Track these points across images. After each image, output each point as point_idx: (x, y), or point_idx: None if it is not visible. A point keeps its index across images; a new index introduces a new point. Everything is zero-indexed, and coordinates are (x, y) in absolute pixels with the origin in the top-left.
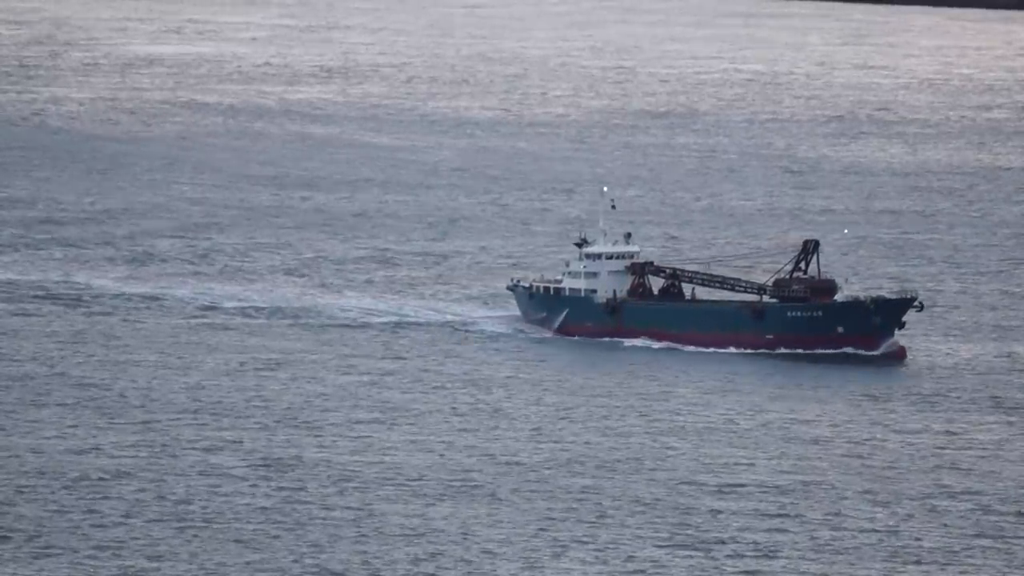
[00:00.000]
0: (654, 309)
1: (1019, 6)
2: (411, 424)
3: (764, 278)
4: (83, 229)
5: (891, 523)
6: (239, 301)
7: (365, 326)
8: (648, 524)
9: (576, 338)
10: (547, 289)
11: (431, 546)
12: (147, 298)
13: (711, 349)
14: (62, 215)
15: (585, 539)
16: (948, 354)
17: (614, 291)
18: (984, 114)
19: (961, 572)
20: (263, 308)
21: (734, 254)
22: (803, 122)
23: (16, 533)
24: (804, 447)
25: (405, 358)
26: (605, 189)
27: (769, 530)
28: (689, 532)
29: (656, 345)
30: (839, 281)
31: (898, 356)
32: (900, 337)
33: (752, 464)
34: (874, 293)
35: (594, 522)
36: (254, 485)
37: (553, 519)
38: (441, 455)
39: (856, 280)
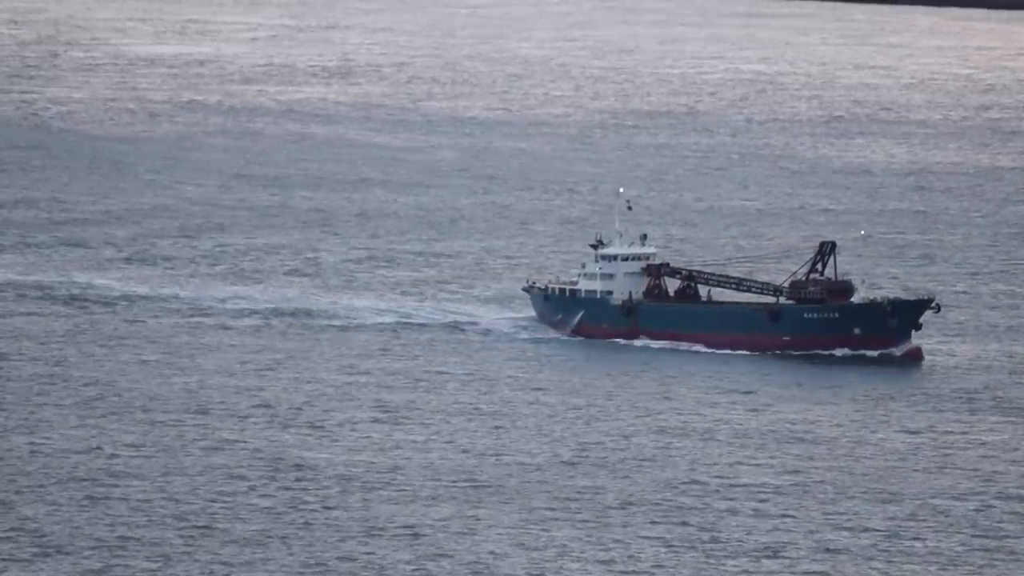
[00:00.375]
0: (670, 311)
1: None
2: (417, 424)
3: (779, 279)
4: (84, 229)
5: (895, 524)
6: (241, 301)
7: (375, 327)
8: (651, 524)
9: (592, 339)
10: (563, 291)
11: (434, 546)
12: (149, 298)
13: (727, 351)
14: (62, 215)
15: (588, 539)
16: (957, 355)
17: (630, 293)
18: (985, 114)
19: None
20: (265, 309)
21: (749, 255)
22: (803, 122)
23: (19, 533)
24: (812, 447)
25: (418, 359)
26: (621, 190)
27: (773, 530)
28: (693, 533)
29: (671, 347)
30: (856, 282)
31: (915, 357)
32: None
33: (756, 464)
34: (890, 294)
35: (597, 522)
36: (257, 485)
37: (557, 519)
38: (446, 455)
39: (864, 280)
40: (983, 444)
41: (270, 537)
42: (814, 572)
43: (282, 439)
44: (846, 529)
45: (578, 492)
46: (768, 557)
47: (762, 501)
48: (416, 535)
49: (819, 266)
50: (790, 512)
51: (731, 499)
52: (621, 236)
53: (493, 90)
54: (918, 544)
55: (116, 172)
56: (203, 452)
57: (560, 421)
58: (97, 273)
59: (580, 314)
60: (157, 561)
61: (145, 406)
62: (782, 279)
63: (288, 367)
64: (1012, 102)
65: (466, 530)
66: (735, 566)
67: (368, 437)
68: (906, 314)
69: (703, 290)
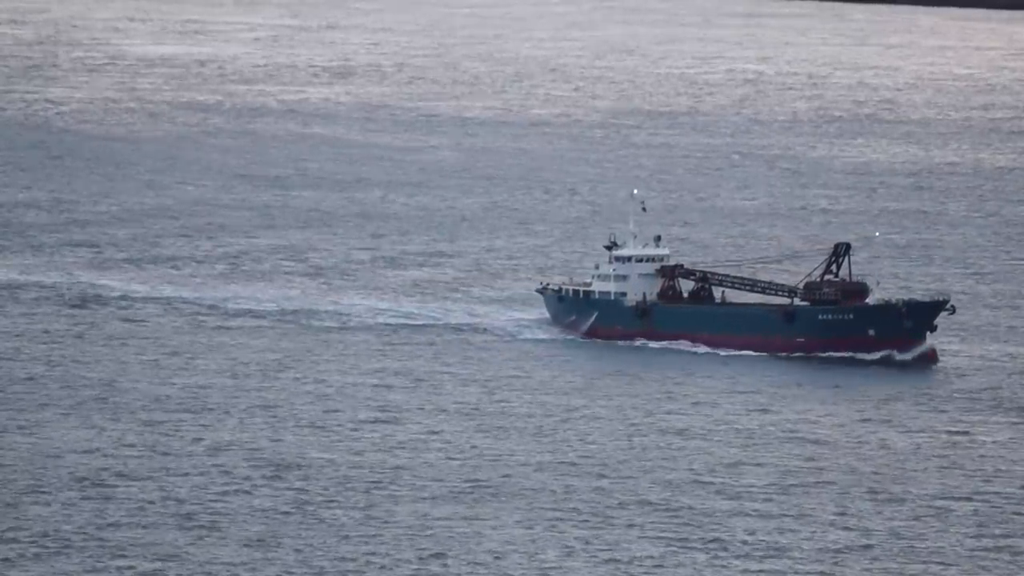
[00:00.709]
0: (684, 312)
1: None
2: (421, 425)
3: (792, 281)
4: (84, 229)
5: (899, 524)
6: (242, 301)
7: (384, 328)
8: (655, 525)
9: (605, 341)
10: (576, 292)
11: (437, 547)
12: (149, 298)
13: (741, 352)
14: (63, 215)
15: (591, 539)
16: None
17: (644, 294)
18: (986, 114)
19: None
20: (267, 309)
21: (762, 257)
22: (804, 122)
23: (20, 534)
24: (815, 447)
25: (427, 360)
26: (635, 191)
27: (777, 531)
28: (696, 533)
29: (684, 348)
30: (871, 284)
31: (930, 359)
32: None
33: (760, 465)
34: (905, 295)
35: (601, 523)
36: (259, 486)
37: (560, 520)
38: (451, 456)
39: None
40: (988, 444)
41: (272, 538)
42: (817, 572)
43: (284, 439)
44: (850, 529)
45: (581, 493)
46: (772, 557)
47: (765, 501)
48: (419, 535)
49: (833, 267)
50: (794, 512)
51: (735, 499)
52: (635, 237)
53: (493, 90)
54: (922, 544)
55: (116, 172)
56: (204, 452)
57: (565, 421)
58: (98, 273)
59: (594, 315)
60: (158, 562)
61: (146, 406)
62: (796, 280)
63: (291, 367)
64: (1013, 102)
65: (469, 530)
66: (738, 566)
67: (371, 438)
68: (921, 316)
69: (717, 291)
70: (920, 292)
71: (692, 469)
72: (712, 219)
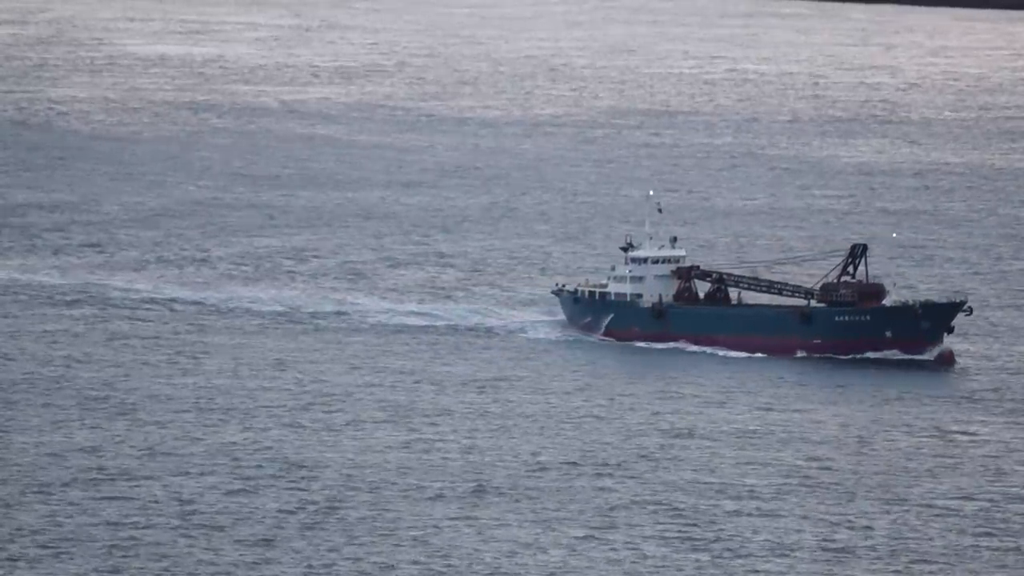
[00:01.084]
0: (700, 313)
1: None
2: (426, 426)
3: (806, 282)
4: (86, 229)
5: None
6: (245, 301)
7: (396, 328)
8: (658, 525)
9: (621, 342)
10: (592, 293)
11: (442, 547)
12: (153, 298)
13: (757, 354)
14: (64, 215)
15: (595, 540)
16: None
17: (660, 295)
18: (989, 114)
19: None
20: (270, 310)
21: (777, 258)
22: (805, 122)
23: (24, 534)
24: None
25: (439, 361)
26: (651, 192)
27: (781, 531)
28: (700, 533)
29: (700, 349)
30: (887, 285)
31: (947, 360)
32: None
33: (764, 465)
34: (921, 297)
35: (605, 523)
36: (265, 486)
37: (564, 520)
38: (456, 456)
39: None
40: (994, 444)
41: (276, 538)
42: (821, 573)
43: (290, 439)
44: (854, 529)
45: (588, 493)
46: (776, 557)
47: (769, 501)
48: (423, 536)
49: (850, 269)
50: (798, 513)
51: (739, 499)
52: (651, 239)
53: (494, 90)
54: (926, 544)
55: (117, 172)
56: (207, 452)
57: (569, 422)
58: (99, 273)
59: (610, 317)
60: (163, 562)
61: (148, 406)
62: (812, 282)
63: (293, 368)
64: (1016, 102)
65: (474, 530)
66: (742, 566)
67: (377, 438)
68: (938, 317)
69: (733, 293)
70: (937, 293)
71: (696, 469)
72: (714, 219)
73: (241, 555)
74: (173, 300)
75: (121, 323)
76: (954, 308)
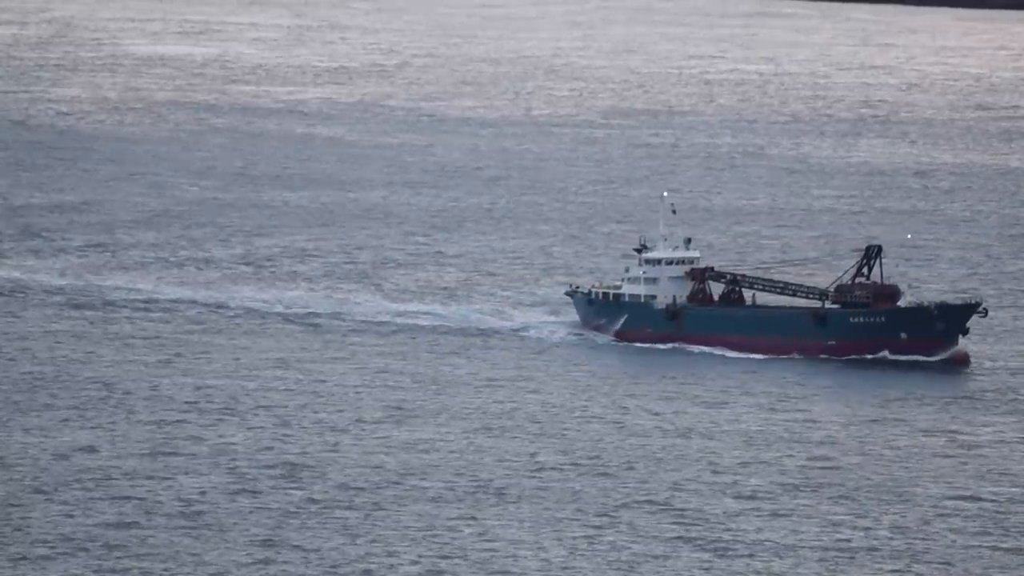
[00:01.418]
0: (714, 315)
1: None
2: (430, 426)
3: (816, 283)
4: (87, 229)
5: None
6: (248, 302)
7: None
8: (661, 525)
9: (635, 344)
10: (606, 295)
11: (445, 547)
12: (155, 298)
13: (772, 355)
14: (65, 215)
15: (597, 540)
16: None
17: (674, 297)
18: (990, 114)
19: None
20: (272, 310)
21: (791, 259)
22: (807, 122)
23: (28, 534)
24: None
25: (450, 362)
26: (665, 194)
27: (784, 531)
28: (702, 533)
29: (714, 351)
30: (902, 286)
31: (961, 362)
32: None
33: (769, 465)
34: (937, 298)
35: (606, 523)
36: (268, 486)
37: (567, 520)
38: (459, 457)
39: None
40: (1001, 445)
41: (278, 538)
42: (825, 573)
43: (291, 440)
44: (857, 529)
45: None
46: (779, 558)
47: (771, 501)
48: (425, 536)
49: (865, 270)
50: (800, 513)
51: (742, 500)
52: (665, 240)
53: (495, 90)
54: (930, 544)
55: (119, 172)
56: (210, 453)
57: (572, 422)
58: (101, 273)
59: (623, 318)
60: (165, 562)
61: (150, 407)
62: (816, 282)
63: (295, 368)
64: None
65: (476, 531)
66: (746, 566)
67: (380, 439)
68: (953, 318)
69: (748, 294)
70: (937, 294)
71: (698, 469)
72: (716, 220)
73: (243, 555)
74: (174, 300)
75: (122, 323)
76: (969, 309)
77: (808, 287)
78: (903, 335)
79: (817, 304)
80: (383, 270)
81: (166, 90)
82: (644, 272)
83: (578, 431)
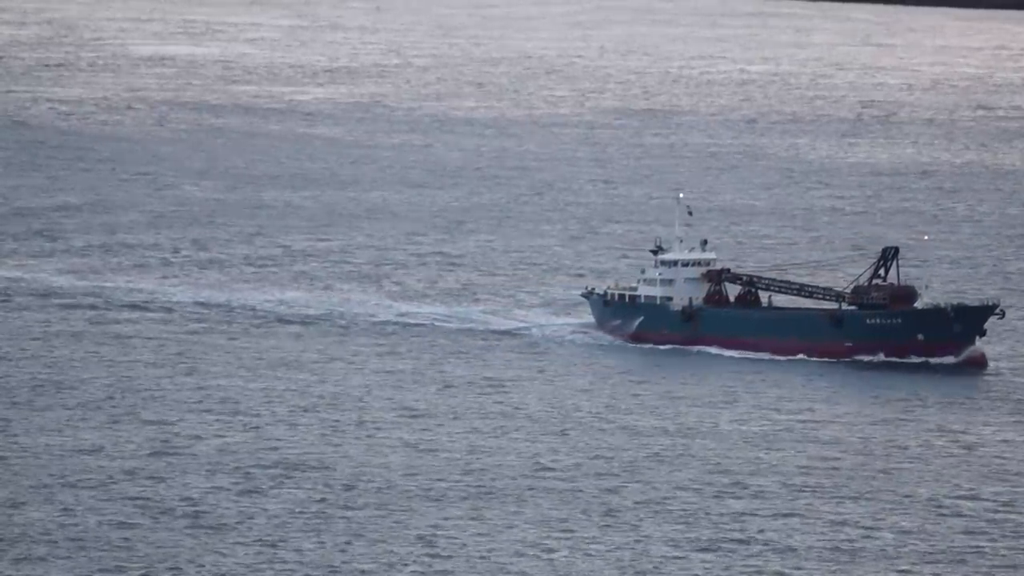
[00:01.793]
0: (730, 316)
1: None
2: (436, 426)
3: (840, 285)
4: (87, 229)
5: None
6: (248, 302)
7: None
8: (664, 525)
9: (651, 345)
10: (622, 296)
11: (448, 548)
12: (157, 299)
13: (788, 357)
14: (66, 215)
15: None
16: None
17: (690, 298)
18: (991, 114)
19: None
20: (274, 311)
21: (807, 260)
22: (808, 122)
23: (28, 535)
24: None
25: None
26: (681, 195)
27: (789, 531)
28: (707, 534)
29: (730, 353)
30: (919, 288)
31: (979, 364)
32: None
33: (774, 465)
34: (954, 300)
35: (611, 524)
36: (271, 487)
37: (570, 520)
38: (463, 457)
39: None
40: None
41: (281, 539)
42: (829, 572)
43: (295, 440)
44: (861, 528)
45: (595, 494)
46: (783, 558)
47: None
48: (428, 537)
49: (881, 271)
50: (804, 512)
51: (746, 500)
52: (681, 241)
53: (497, 90)
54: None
55: (119, 173)
56: (213, 453)
57: (577, 422)
58: (103, 273)
59: (639, 319)
60: (168, 561)
61: (155, 407)
62: (843, 285)
63: (299, 369)
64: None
65: (480, 531)
66: (750, 565)
67: (385, 439)
68: (970, 320)
69: (764, 296)
70: (969, 296)
71: (702, 469)
72: (718, 219)
73: (246, 555)
74: (176, 300)
75: (124, 323)
76: (986, 311)
77: (824, 289)
78: (920, 337)
79: (833, 306)
80: (385, 270)
81: (166, 90)
82: (660, 274)
83: (581, 431)
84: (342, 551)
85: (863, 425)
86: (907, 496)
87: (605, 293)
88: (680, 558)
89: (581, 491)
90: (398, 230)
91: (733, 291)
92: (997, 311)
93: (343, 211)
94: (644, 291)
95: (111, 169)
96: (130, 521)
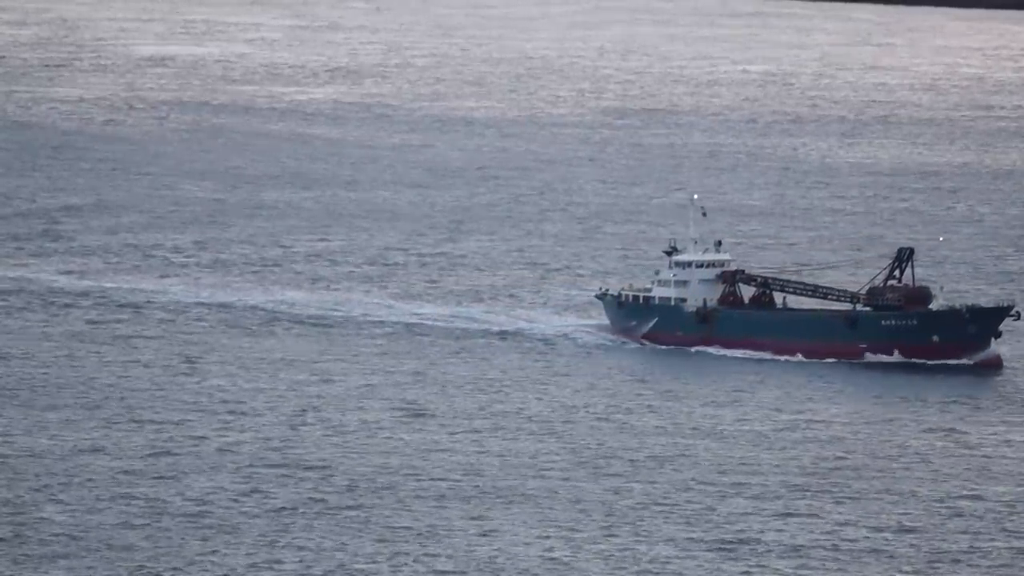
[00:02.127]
0: (745, 317)
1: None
2: (438, 427)
3: (854, 286)
4: (88, 230)
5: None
6: (249, 302)
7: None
8: (666, 525)
9: (665, 347)
10: (636, 298)
11: (451, 548)
12: (159, 299)
13: (803, 358)
14: (66, 215)
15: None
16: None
17: (704, 300)
18: (992, 114)
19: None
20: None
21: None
22: (808, 122)
23: (32, 534)
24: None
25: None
26: (696, 196)
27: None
28: (710, 534)
29: (744, 354)
30: (934, 289)
31: (994, 366)
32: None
33: (777, 465)
34: (969, 301)
35: (613, 524)
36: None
37: (572, 521)
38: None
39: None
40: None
41: (283, 539)
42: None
43: (297, 440)
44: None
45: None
46: (786, 558)
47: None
48: (431, 537)
49: (896, 273)
50: (807, 512)
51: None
52: (695, 243)
53: (499, 90)
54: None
55: (121, 173)
56: (215, 453)
57: (579, 422)
58: (104, 274)
59: (654, 321)
60: (168, 562)
61: (155, 407)
62: (857, 286)
63: (301, 369)
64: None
65: (482, 532)
66: (753, 565)
67: (388, 439)
68: (985, 321)
69: (778, 297)
70: (984, 297)
71: (704, 469)
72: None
73: (248, 555)
74: (176, 300)
75: (124, 323)
76: (1002, 312)
77: (839, 290)
78: (935, 338)
79: (848, 307)
80: (386, 270)
81: (167, 90)
82: (674, 275)
83: (584, 432)
84: (343, 551)
85: (865, 425)
86: (911, 496)
87: (619, 294)
88: (682, 558)
89: (583, 491)
90: (398, 230)
91: (748, 292)
92: (1012, 312)
93: (343, 211)
94: (658, 292)
95: (111, 169)
96: (131, 521)
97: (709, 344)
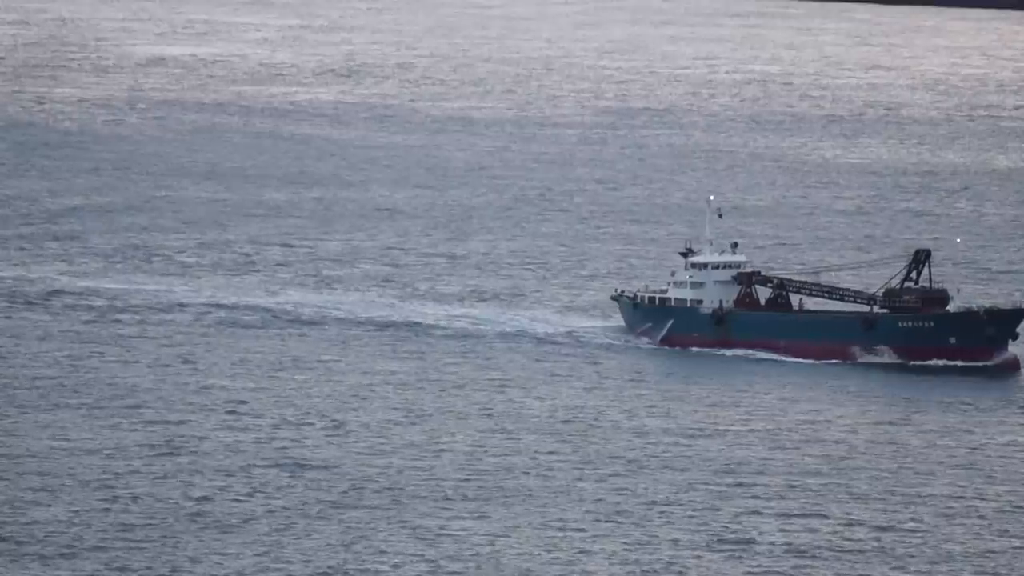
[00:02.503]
0: (761, 319)
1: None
2: (440, 427)
3: (871, 288)
4: (88, 230)
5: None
6: (250, 302)
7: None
8: (670, 525)
9: (682, 349)
10: (652, 299)
11: (452, 548)
12: (160, 300)
13: (820, 360)
14: (67, 215)
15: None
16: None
17: (720, 301)
18: (992, 114)
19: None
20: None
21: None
22: (809, 121)
23: (33, 535)
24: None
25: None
26: (712, 198)
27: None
28: (714, 535)
29: (760, 356)
30: (951, 291)
31: (1012, 367)
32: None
33: (780, 465)
34: (987, 303)
35: (615, 524)
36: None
37: (575, 520)
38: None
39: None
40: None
41: (285, 539)
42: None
43: (299, 440)
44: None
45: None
46: (789, 558)
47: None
48: (432, 537)
49: (913, 274)
50: (809, 512)
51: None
52: (711, 244)
53: (499, 90)
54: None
55: (122, 173)
56: (217, 453)
57: (581, 422)
58: (106, 275)
59: (670, 323)
60: (170, 562)
61: (157, 407)
62: (874, 287)
63: (303, 369)
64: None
65: (485, 532)
66: (757, 565)
67: (390, 439)
68: (1003, 323)
69: (795, 299)
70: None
71: (707, 469)
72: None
73: (249, 555)
74: (177, 300)
75: (125, 324)
76: (1020, 314)
77: (856, 291)
78: (952, 340)
79: (865, 308)
80: (387, 270)
81: (167, 90)
82: (691, 276)
83: (585, 431)
84: (346, 551)
85: (870, 425)
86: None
87: (635, 296)
88: (686, 558)
89: (586, 491)
90: (399, 230)
91: (764, 294)
92: None
93: (343, 211)
94: (674, 294)
95: (112, 169)
96: (131, 521)
97: (726, 346)
